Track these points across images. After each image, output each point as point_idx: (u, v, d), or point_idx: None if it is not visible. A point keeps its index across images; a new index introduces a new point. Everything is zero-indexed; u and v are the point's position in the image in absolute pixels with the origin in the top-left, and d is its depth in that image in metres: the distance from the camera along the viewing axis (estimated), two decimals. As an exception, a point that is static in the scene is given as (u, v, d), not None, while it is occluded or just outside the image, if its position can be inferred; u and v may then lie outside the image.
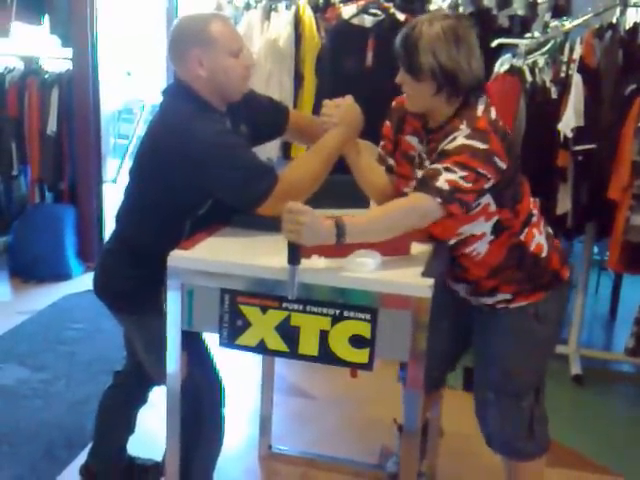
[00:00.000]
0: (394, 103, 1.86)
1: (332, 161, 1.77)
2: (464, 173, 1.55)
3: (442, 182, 1.54)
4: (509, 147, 1.65)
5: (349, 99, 1.82)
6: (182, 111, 1.73)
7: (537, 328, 1.77)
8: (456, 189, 1.55)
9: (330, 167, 1.77)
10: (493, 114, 1.67)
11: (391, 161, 1.86)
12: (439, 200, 1.54)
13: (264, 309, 1.57)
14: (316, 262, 1.56)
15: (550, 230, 1.83)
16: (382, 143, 1.90)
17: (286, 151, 3.45)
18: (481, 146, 1.57)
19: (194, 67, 1.74)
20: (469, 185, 1.55)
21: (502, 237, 1.72)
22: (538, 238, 1.75)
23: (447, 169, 1.55)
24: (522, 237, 1.73)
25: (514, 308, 1.77)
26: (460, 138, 1.59)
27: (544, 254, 1.75)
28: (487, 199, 1.65)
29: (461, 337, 1.92)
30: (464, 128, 1.61)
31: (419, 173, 1.71)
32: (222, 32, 1.74)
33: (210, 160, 1.67)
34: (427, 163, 1.70)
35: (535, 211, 1.78)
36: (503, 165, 1.60)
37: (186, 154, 1.67)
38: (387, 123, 1.87)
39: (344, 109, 1.78)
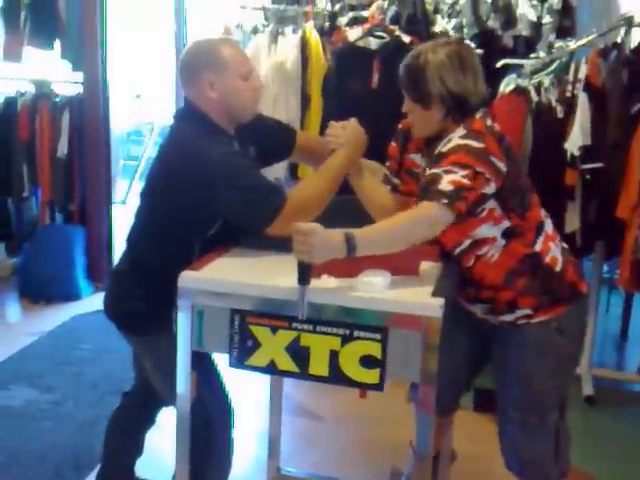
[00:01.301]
0: (400, 125, 1.88)
1: (338, 181, 1.79)
2: (464, 172, 1.55)
3: (444, 184, 1.55)
4: (508, 152, 1.66)
5: (353, 121, 1.84)
6: (191, 134, 1.76)
7: (561, 343, 1.75)
8: (460, 187, 1.55)
9: (336, 187, 1.78)
10: (489, 121, 1.70)
11: (396, 181, 1.88)
12: (445, 201, 1.54)
13: (274, 329, 1.58)
14: (326, 282, 1.57)
15: (565, 245, 1.82)
16: (388, 163, 1.92)
17: (293, 171, 3.47)
18: (476, 144, 1.59)
19: (205, 90, 1.77)
20: (470, 182, 1.56)
21: (514, 243, 1.71)
22: (554, 251, 1.75)
23: (446, 171, 1.56)
24: (537, 248, 1.72)
25: (536, 323, 1.75)
26: (455, 139, 1.62)
27: (558, 267, 1.74)
28: (492, 204, 1.65)
29: (476, 360, 1.90)
30: (459, 130, 1.64)
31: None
32: (233, 56, 1.78)
33: (218, 182, 1.68)
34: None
35: (549, 223, 1.78)
36: (502, 166, 1.61)
37: (195, 176, 1.69)
38: (393, 144, 1.90)
39: (349, 130, 1.81)
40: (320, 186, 1.77)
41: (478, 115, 1.68)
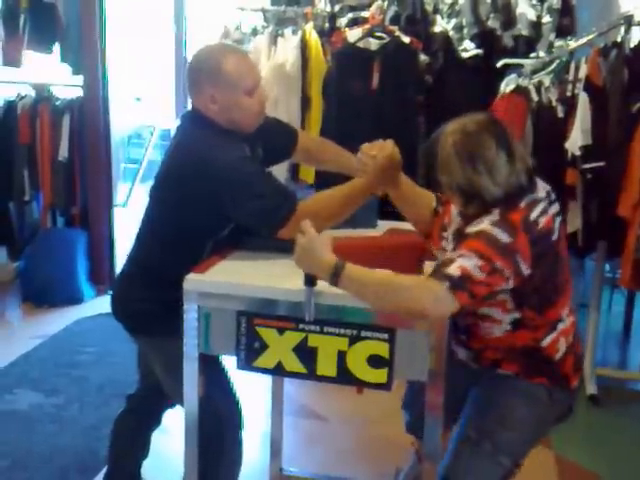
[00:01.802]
0: None
1: (352, 207, 1.77)
2: (480, 262, 1.41)
3: (453, 269, 1.42)
4: (541, 256, 1.48)
5: (389, 146, 1.71)
6: (201, 138, 1.75)
7: (547, 404, 1.64)
8: (467, 277, 1.41)
9: (347, 214, 1.77)
10: (535, 214, 1.50)
11: (440, 208, 1.77)
12: (447, 284, 1.40)
13: (281, 331, 1.58)
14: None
15: (576, 338, 1.68)
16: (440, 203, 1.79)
17: (294, 173, 3.48)
18: (504, 238, 1.43)
19: (207, 102, 1.76)
20: (482, 276, 1.41)
21: (521, 333, 1.60)
22: (560, 345, 1.62)
23: (461, 256, 1.43)
24: (544, 344, 1.60)
25: (524, 380, 1.65)
26: (485, 223, 1.47)
27: (558, 356, 1.63)
28: (504, 296, 1.53)
29: (454, 403, 1.71)
30: (494, 213, 1.48)
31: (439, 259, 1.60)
32: (236, 70, 1.74)
33: (229, 190, 1.69)
34: (450, 247, 1.64)
35: (570, 319, 1.64)
36: (526, 270, 1.46)
37: (205, 184, 1.69)
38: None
39: (381, 158, 1.70)
40: (332, 205, 1.75)
41: (523, 204, 1.50)
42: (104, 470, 2.21)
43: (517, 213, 1.48)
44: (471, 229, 1.49)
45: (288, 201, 1.72)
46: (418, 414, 1.76)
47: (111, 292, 2.01)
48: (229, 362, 1.75)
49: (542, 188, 1.59)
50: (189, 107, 1.88)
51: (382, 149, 1.71)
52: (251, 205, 1.70)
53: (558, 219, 1.57)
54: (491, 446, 1.61)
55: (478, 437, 1.63)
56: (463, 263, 1.42)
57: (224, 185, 1.68)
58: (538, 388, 1.64)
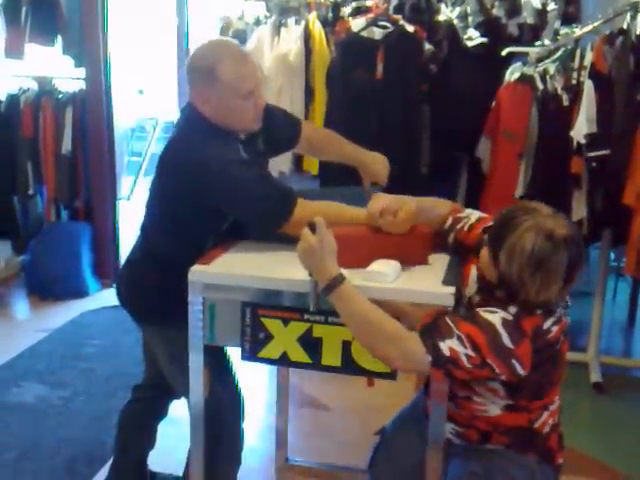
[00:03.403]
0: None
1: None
2: (472, 354, 1.40)
3: (445, 347, 1.40)
4: (542, 362, 1.47)
5: (410, 214, 1.62)
6: (196, 138, 1.73)
7: (537, 472, 1.59)
8: (453, 361, 1.40)
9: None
10: (549, 322, 1.47)
11: (451, 237, 1.70)
12: (429, 358, 1.40)
13: (286, 321, 1.58)
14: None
15: (557, 421, 1.65)
16: (469, 225, 1.69)
17: (298, 164, 3.47)
18: (507, 342, 1.41)
19: (202, 101, 1.74)
20: (469, 367, 1.41)
21: (515, 415, 1.56)
22: (549, 423, 1.60)
23: (459, 338, 1.41)
24: (536, 425, 1.58)
25: (513, 453, 1.60)
26: (497, 317, 1.43)
27: (545, 431, 1.60)
28: (495, 385, 1.52)
29: None
30: (510, 313, 1.45)
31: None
32: (232, 74, 1.69)
33: (224, 192, 1.69)
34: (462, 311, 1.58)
35: (557, 400, 1.63)
36: (521, 372, 1.44)
37: (202, 187, 1.68)
38: (481, 225, 1.66)
39: (399, 221, 1.62)
40: (333, 218, 1.63)
41: (539, 311, 1.47)
42: (111, 461, 2.22)
43: (531, 320, 1.45)
44: (482, 312, 1.45)
45: (284, 202, 1.70)
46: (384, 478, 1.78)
47: (117, 279, 2.01)
48: (234, 353, 1.75)
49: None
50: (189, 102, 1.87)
51: (402, 209, 1.62)
52: (248, 208, 1.71)
53: (567, 319, 1.54)
54: None
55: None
56: (456, 347, 1.40)
57: (220, 191, 1.68)
58: (527, 460, 1.59)
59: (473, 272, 1.63)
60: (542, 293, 1.44)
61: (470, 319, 1.45)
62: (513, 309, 1.45)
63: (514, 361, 1.42)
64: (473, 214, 1.72)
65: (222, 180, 1.67)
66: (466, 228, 1.68)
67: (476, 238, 1.65)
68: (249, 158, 1.77)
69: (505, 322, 1.43)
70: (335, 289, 1.44)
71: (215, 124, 1.76)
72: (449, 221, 1.71)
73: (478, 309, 1.47)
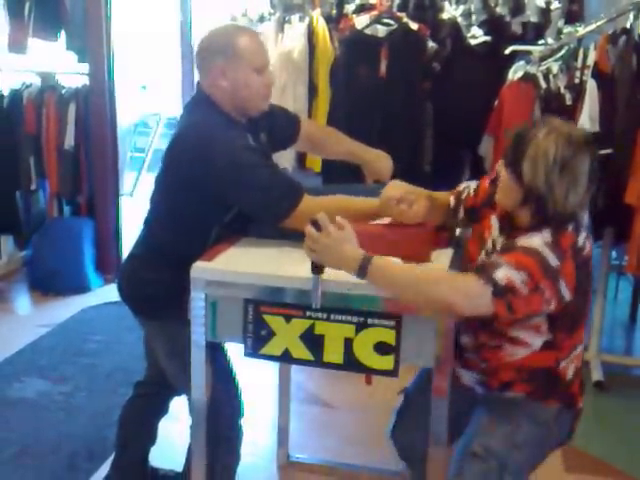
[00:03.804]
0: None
1: (357, 219, 1.70)
2: (526, 279, 1.42)
3: (501, 275, 1.42)
4: (581, 282, 1.51)
5: (424, 205, 1.67)
6: (204, 126, 1.74)
7: (552, 427, 1.64)
8: (511, 289, 1.42)
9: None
10: (582, 239, 1.52)
11: (461, 210, 1.75)
12: (491, 289, 1.41)
13: (288, 318, 1.58)
14: (339, 270, 1.57)
15: (580, 365, 1.70)
16: (471, 192, 1.75)
17: (301, 161, 3.47)
18: (553, 262, 1.44)
19: (217, 78, 1.76)
20: (525, 292, 1.42)
21: (546, 354, 1.60)
22: (571, 368, 1.64)
23: (509, 266, 1.43)
24: (561, 365, 1.62)
25: (533, 402, 1.64)
26: (537, 241, 1.46)
27: (568, 378, 1.65)
28: (541, 320, 1.55)
29: (453, 427, 1.69)
30: (547, 234, 1.48)
31: (483, 257, 1.62)
32: (249, 47, 1.76)
33: (232, 180, 1.69)
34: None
35: (581, 344, 1.67)
36: (567, 295, 1.47)
37: (208, 173, 1.69)
38: (487, 181, 1.73)
39: (411, 213, 1.66)
40: (341, 210, 1.66)
41: (570, 228, 1.51)
42: (112, 457, 2.23)
43: (566, 238, 1.48)
44: (522, 242, 1.48)
45: (291, 193, 1.71)
46: (408, 442, 1.79)
47: (119, 273, 2.01)
48: (235, 350, 1.75)
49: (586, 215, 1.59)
50: (194, 93, 1.88)
51: (417, 201, 1.67)
52: (254, 196, 1.70)
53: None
54: (497, 465, 1.61)
55: (485, 455, 1.62)
56: (510, 274, 1.42)
57: (227, 175, 1.68)
58: (545, 411, 1.64)
59: (493, 221, 1.65)
60: (570, 197, 1.46)
61: (513, 249, 1.47)
62: (547, 231, 1.47)
63: (562, 283, 1.45)
64: (471, 183, 1.77)
65: (230, 165, 1.67)
66: (472, 193, 1.73)
67: (486, 192, 1.69)
68: (258, 146, 1.78)
69: (546, 243, 1.45)
70: (368, 270, 1.44)
71: (225, 112, 1.77)
72: (452, 201, 1.75)
73: (517, 242, 1.48)
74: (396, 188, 1.69)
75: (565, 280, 1.45)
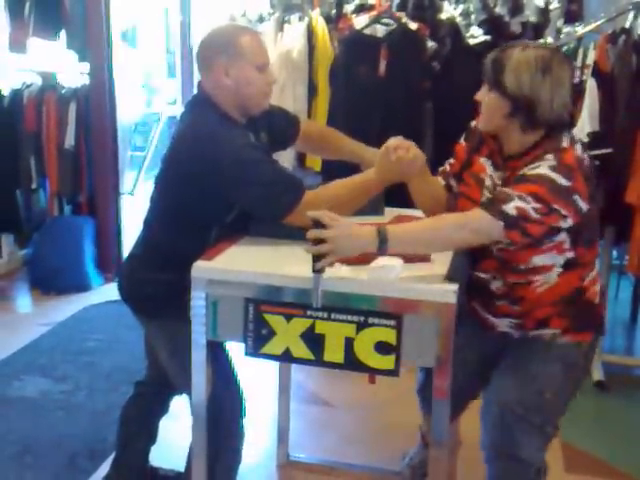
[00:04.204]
0: (474, 123, 1.79)
1: (361, 199, 1.77)
2: (537, 205, 1.49)
3: (510, 208, 1.49)
4: (592, 190, 1.58)
5: (418, 156, 1.72)
6: (206, 124, 1.75)
7: (583, 366, 1.73)
8: (523, 217, 1.49)
9: (358, 203, 1.77)
10: (579, 149, 1.60)
11: (453, 182, 1.83)
12: (501, 223, 1.49)
13: (288, 317, 1.59)
14: (339, 270, 1.58)
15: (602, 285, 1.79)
16: (451, 161, 1.86)
17: (301, 160, 3.47)
18: (563, 182, 1.50)
19: (219, 76, 1.77)
20: (538, 217, 1.50)
21: (570, 274, 1.66)
22: (596, 286, 1.73)
23: (520, 197, 1.49)
24: (586, 282, 1.69)
25: (566, 342, 1.71)
26: (544, 168, 1.52)
27: (596, 301, 1.73)
28: (563, 237, 1.60)
29: (485, 372, 1.81)
30: (550, 158, 1.54)
31: (488, 195, 1.67)
32: (250, 45, 1.78)
33: (234, 176, 1.69)
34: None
35: (596, 263, 1.75)
36: (584, 206, 1.54)
37: (210, 169, 1.69)
38: (462, 143, 1.83)
39: (408, 160, 1.71)
40: (342, 195, 1.75)
41: (566, 142, 1.59)
42: (112, 456, 2.23)
43: (569, 153, 1.55)
44: (529, 172, 1.53)
45: (294, 189, 1.72)
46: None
47: (119, 273, 2.02)
48: (236, 349, 1.75)
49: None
50: (196, 92, 1.88)
51: (411, 154, 1.71)
52: (255, 192, 1.70)
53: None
54: (539, 420, 1.69)
55: (524, 412, 1.68)
56: (521, 204, 1.48)
57: (230, 172, 1.69)
58: (576, 350, 1.71)
59: (483, 161, 1.73)
60: (556, 99, 1.55)
61: (522, 180, 1.52)
62: (549, 156, 1.54)
63: (576, 197, 1.51)
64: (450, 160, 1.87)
65: (233, 162, 1.68)
66: (452, 161, 1.84)
67: (465, 150, 1.80)
68: (259, 144, 1.80)
69: (553, 167, 1.52)
70: (387, 241, 1.47)
71: (226, 111, 1.78)
72: (441, 179, 1.85)
73: (524, 172, 1.54)
74: (392, 139, 1.74)
75: (579, 194, 1.52)
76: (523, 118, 1.58)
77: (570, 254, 1.64)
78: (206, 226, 1.80)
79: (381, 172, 1.75)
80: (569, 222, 1.54)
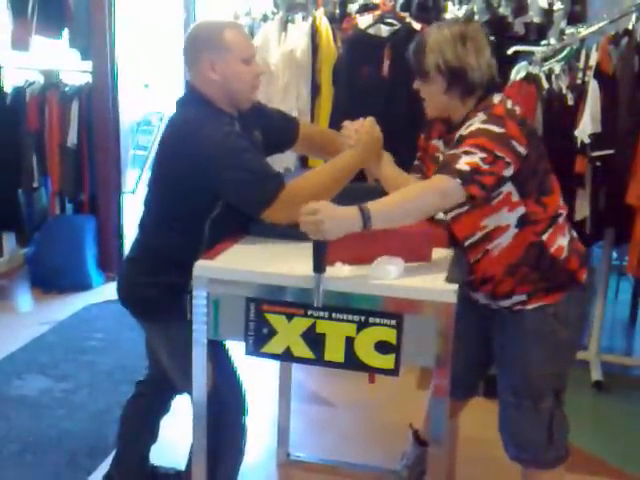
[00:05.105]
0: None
1: (342, 179, 1.79)
2: (483, 155, 1.57)
3: (462, 164, 1.57)
4: (530, 135, 1.67)
5: (370, 122, 1.87)
6: (192, 117, 1.77)
7: (557, 329, 1.76)
8: (475, 170, 1.56)
9: (338, 187, 1.78)
10: (509, 104, 1.70)
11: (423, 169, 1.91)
12: (459, 181, 1.56)
13: (289, 317, 1.59)
14: (340, 269, 1.58)
15: (575, 234, 1.83)
16: (418, 154, 1.95)
17: (304, 160, 3.47)
18: (497, 130, 1.61)
19: (206, 71, 1.78)
20: (487, 167, 1.57)
21: (525, 231, 1.72)
22: (561, 241, 1.75)
23: (466, 152, 1.58)
24: (544, 237, 1.73)
25: (532, 309, 1.76)
26: (476, 123, 1.64)
27: (563, 256, 1.75)
28: (509, 188, 1.67)
29: (486, 345, 1.91)
30: (480, 115, 1.66)
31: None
32: (235, 39, 1.79)
33: (217, 163, 1.69)
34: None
35: (564, 213, 1.78)
36: (522, 150, 1.62)
37: (194, 157, 1.70)
38: (422, 135, 1.93)
39: (362, 133, 1.83)
40: (320, 180, 1.77)
41: (497, 99, 1.70)
42: (112, 455, 2.24)
43: (497, 107, 1.68)
44: (465, 131, 1.64)
45: (273, 180, 1.72)
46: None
47: (117, 277, 2.02)
48: (237, 348, 1.76)
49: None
50: (184, 91, 1.90)
51: (365, 122, 1.86)
52: (237, 178, 1.70)
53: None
54: (529, 402, 1.76)
55: (515, 400, 1.77)
56: (469, 159, 1.57)
57: (210, 158, 1.69)
58: (540, 317, 1.74)
59: (435, 142, 1.86)
60: (481, 61, 1.68)
61: (462, 140, 1.62)
62: (479, 114, 1.66)
63: (513, 142, 1.61)
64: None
65: (216, 149, 1.69)
66: (419, 154, 1.95)
67: (425, 140, 1.91)
68: (245, 135, 1.80)
69: (484, 120, 1.64)
70: (370, 218, 1.50)
71: (214, 104, 1.79)
72: (416, 175, 1.91)
73: (461, 133, 1.65)
74: (349, 124, 1.88)
75: (515, 139, 1.61)
76: (460, 88, 1.69)
77: (521, 209, 1.69)
78: (196, 222, 1.80)
79: (363, 151, 1.82)
80: (511, 169, 1.61)
